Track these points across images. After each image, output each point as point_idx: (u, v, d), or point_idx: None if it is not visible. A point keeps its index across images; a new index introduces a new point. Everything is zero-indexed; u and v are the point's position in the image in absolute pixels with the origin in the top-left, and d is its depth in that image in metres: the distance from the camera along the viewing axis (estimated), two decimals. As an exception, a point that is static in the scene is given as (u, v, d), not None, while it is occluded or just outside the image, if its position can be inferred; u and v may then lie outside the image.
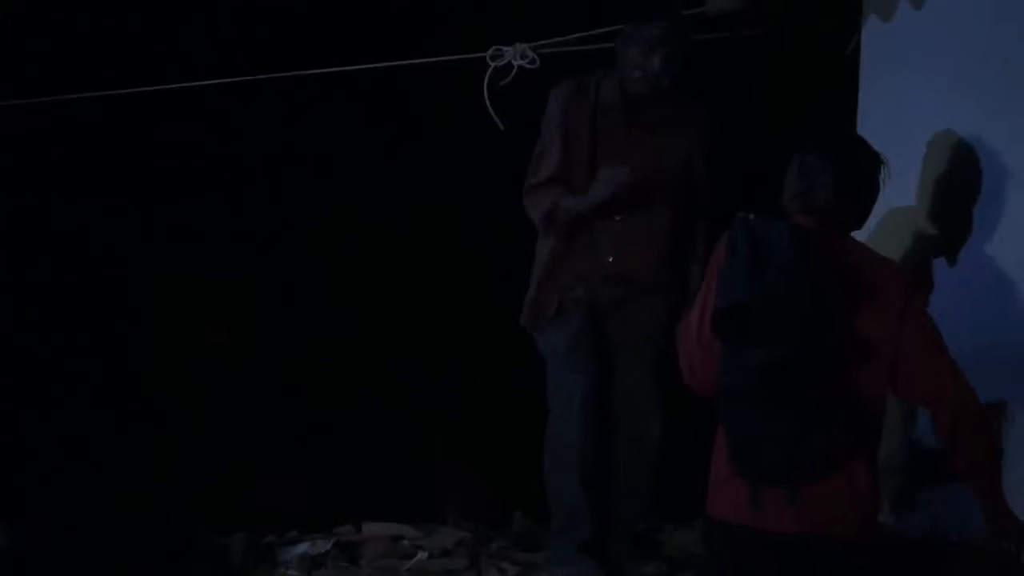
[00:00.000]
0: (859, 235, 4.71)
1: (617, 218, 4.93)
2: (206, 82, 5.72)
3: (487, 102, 5.39)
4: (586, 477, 4.99)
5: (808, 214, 3.79)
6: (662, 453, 5.06)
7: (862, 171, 3.86)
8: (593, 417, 5.00)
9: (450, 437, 7.12)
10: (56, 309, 7.01)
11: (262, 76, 5.71)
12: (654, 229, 4.96)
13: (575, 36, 5.53)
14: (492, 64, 5.46)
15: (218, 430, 7.06)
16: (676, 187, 4.98)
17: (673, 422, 5.05)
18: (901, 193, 4.79)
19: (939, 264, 4.55)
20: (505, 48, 5.49)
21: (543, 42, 5.51)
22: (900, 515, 4.75)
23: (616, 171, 4.84)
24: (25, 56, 6.53)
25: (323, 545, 5.46)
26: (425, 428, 7.13)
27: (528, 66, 5.47)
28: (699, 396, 3.78)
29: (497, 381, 6.81)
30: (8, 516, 5.68)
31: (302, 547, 5.47)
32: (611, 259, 4.97)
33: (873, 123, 5.08)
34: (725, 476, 3.74)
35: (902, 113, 4.88)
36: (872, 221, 4.89)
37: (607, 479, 5.04)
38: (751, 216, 3.71)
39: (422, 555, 5.33)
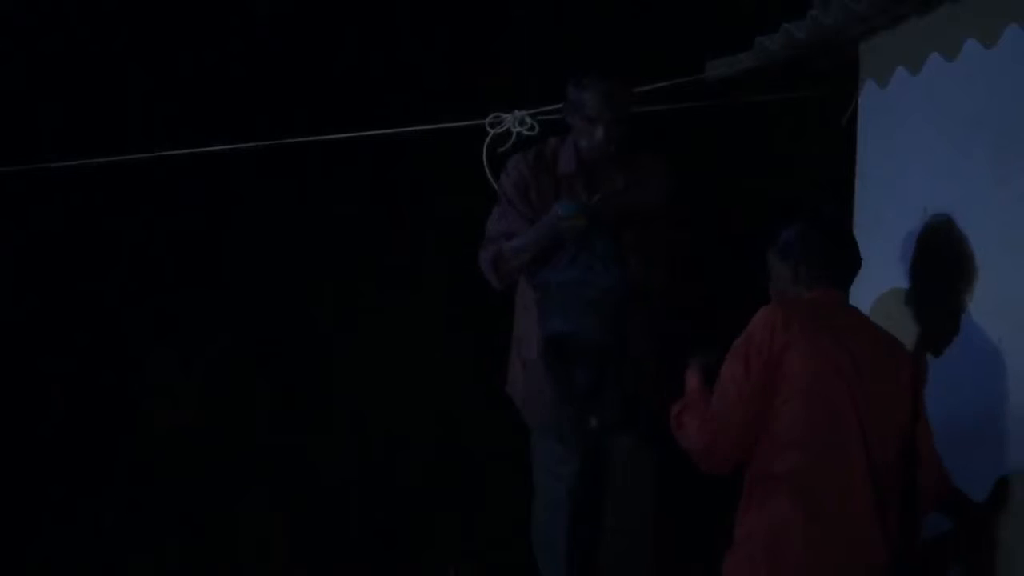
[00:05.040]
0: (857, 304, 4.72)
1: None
2: (197, 150, 5.73)
3: (486, 169, 5.36)
4: (574, 569, 4.85)
5: (837, 287, 3.80)
6: (656, 544, 4.92)
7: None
8: (582, 508, 4.82)
9: (448, 515, 7.07)
10: (55, 401, 7.04)
11: (252, 144, 5.70)
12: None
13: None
14: (491, 131, 5.45)
15: (219, 510, 7.05)
16: None
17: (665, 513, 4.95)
18: (898, 260, 4.75)
19: (935, 334, 4.50)
20: (504, 115, 5.48)
21: (542, 109, 5.50)
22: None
23: (559, 205, 4.69)
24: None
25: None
26: (424, 506, 7.09)
27: (527, 133, 5.46)
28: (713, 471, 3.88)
29: (495, 457, 6.76)
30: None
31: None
32: None
33: (870, 190, 5.06)
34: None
35: (899, 179, 4.85)
36: (870, 288, 4.91)
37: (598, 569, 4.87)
38: None
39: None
